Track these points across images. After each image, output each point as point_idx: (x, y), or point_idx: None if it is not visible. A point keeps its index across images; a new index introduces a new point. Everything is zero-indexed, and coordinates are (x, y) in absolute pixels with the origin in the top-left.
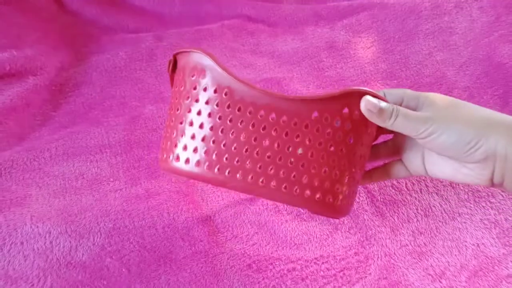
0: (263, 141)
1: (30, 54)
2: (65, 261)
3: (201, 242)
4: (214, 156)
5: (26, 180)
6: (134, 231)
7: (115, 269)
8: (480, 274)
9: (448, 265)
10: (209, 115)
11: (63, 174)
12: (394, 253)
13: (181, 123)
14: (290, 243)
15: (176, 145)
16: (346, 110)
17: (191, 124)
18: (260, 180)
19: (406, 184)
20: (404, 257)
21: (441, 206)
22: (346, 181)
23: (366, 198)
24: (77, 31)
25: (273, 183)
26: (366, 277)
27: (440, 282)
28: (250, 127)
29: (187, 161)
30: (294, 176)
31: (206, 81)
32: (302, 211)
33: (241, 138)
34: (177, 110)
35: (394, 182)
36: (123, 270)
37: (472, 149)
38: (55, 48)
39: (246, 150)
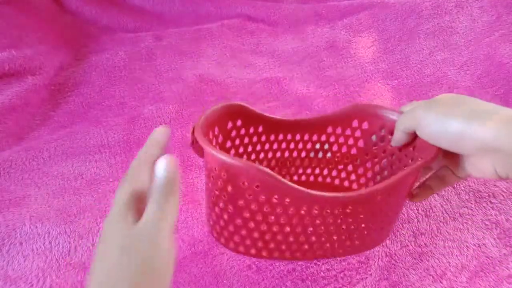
0: (319, 228)
1: (29, 54)
2: (64, 262)
3: (201, 243)
4: (272, 245)
5: (25, 180)
6: None
7: None
8: (481, 275)
9: (449, 265)
10: (259, 218)
11: (62, 174)
12: (395, 254)
13: (233, 214)
14: None
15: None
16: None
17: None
18: (317, 253)
19: None
20: (405, 258)
21: (442, 206)
22: (390, 225)
23: None
24: (76, 31)
25: (330, 253)
26: (366, 277)
27: (441, 282)
28: (305, 221)
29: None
30: (348, 246)
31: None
32: None
33: (297, 229)
34: (221, 203)
35: None
36: None
37: (460, 139)
38: (55, 48)
39: (302, 241)
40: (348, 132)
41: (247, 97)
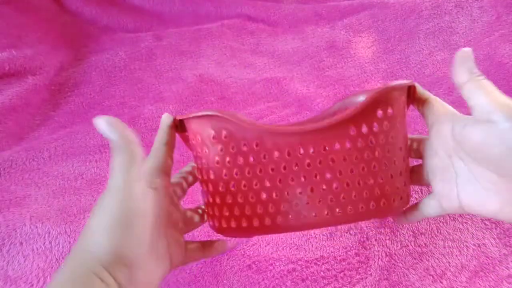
0: (314, 176)
1: (30, 54)
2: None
3: None
4: (273, 208)
5: (25, 180)
6: None
7: None
8: (481, 275)
9: (449, 265)
10: (248, 172)
11: (62, 174)
12: (395, 254)
13: (231, 187)
14: (290, 243)
15: (243, 212)
16: (380, 113)
17: (239, 186)
18: (325, 213)
19: None
20: (405, 258)
21: None
22: (401, 176)
23: None
24: (76, 31)
25: (338, 210)
26: (366, 277)
27: (441, 282)
28: (295, 168)
29: (252, 222)
30: (355, 196)
31: (230, 141)
32: None
33: (290, 181)
34: (212, 175)
35: None
36: None
37: None
38: (55, 48)
39: (301, 193)
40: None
41: (247, 97)
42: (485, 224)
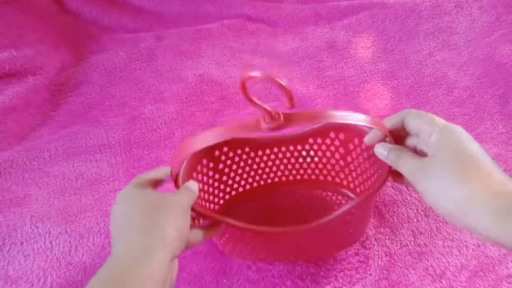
0: (296, 246)
1: (30, 54)
2: (65, 261)
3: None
4: (261, 255)
5: (26, 180)
6: None
7: None
8: (480, 274)
9: (449, 265)
10: (244, 245)
11: (63, 174)
12: (394, 253)
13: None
14: None
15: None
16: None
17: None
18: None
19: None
20: (404, 257)
21: None
22: (360, 229)
23: None
24: (77, 31)
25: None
26: (366, 277)
27: (441, 282)
28: (283, 240)
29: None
30: (326, 246)
31: (229, 226)
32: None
33: (278, 246)
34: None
35: None
36: None
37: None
38: (55, 48)
39: (284, 251)
40: (328, 141)
41: None
42: None
